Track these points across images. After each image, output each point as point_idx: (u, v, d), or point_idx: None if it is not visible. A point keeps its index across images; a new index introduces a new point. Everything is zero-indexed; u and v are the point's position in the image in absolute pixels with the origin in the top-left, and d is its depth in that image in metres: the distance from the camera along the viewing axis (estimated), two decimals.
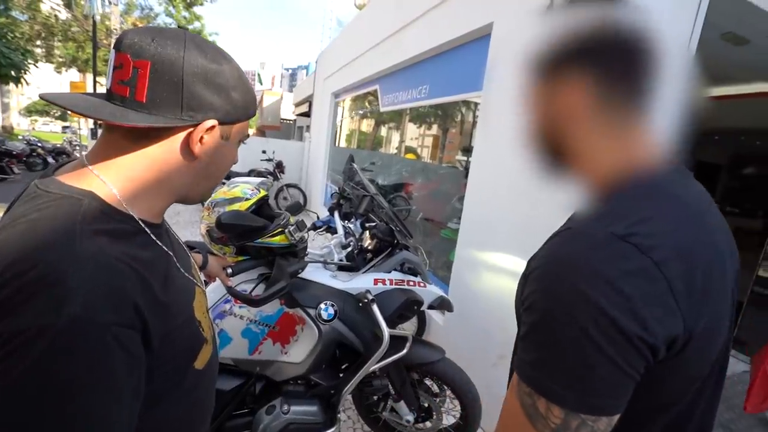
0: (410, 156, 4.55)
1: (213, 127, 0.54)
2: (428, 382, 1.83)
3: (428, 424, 1.84)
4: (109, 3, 12.08)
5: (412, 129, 4.55)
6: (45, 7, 15.08)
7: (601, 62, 0.48)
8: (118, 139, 0.52)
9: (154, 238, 0.54)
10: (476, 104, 2.99)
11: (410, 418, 1.75)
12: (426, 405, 1.82)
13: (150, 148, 0.52)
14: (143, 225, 0.53)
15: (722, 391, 0.54)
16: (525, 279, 0.49)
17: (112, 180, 0.51)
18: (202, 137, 0.54)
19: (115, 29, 13.96)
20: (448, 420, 1.94)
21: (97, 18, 8.29)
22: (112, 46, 0.52)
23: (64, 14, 15.51)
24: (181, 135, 0.53)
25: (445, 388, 1.80)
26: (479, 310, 2.26)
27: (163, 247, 0.56)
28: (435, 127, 4.17)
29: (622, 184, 0.48)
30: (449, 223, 3.24)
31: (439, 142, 3.96)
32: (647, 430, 0.49)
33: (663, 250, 0.41)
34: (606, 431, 0.42)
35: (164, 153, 0.53)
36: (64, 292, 0.40)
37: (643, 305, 0.39)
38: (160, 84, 0.49)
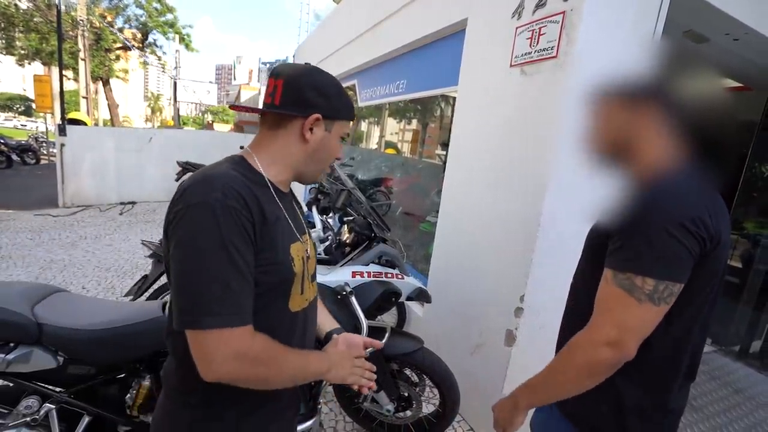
0: (390, 151, 4.56)
1: (318, 119, 0.79)
2: (408, 372, 1.88)
3: (408, 413, 1.88)
4: None
5: (392, 124, 4.57)
6: None
7: (667, 101, 0.76)
8: (264, 130, 0.82)
9: (273, 192, 0.78)
10: (455, 99, 3.04)
11: (390, 407, 1.79)
12: (406, 394, 1.87)
13: (279, 132, 0.80)
14: (268, 182, 0.78)
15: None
16: (610, 217, 0.75)
17: (255, 152, 0.80)
18: (311, 127, 0.79)
19: (82, 20, 13.36)
20: (428, 408, 2.00)
21: (62, 8, 7.92)
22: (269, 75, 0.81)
23: (25, 4, 14.72)
24: (298, 124, 0.79)
25: (425, 377, 1.85)
26: (457, 301, 2.32)
27: (279, 202, 0.79)
28: (415, 122, 4.20)
29: (665, 174, 0.74)
30: (428, 217, 3.29)
31: (419, 136, 3.99)
32: (685, 314, 0.75)
33: (702, 197, 0.71)
34: (677, 293, 0.69)
35: (287, 136, 0.80)
36: (212, 186, 0.67)
37: (702, 218, 0.67)
38: (288, 92, 0.77)
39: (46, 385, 1.24)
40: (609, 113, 0.81)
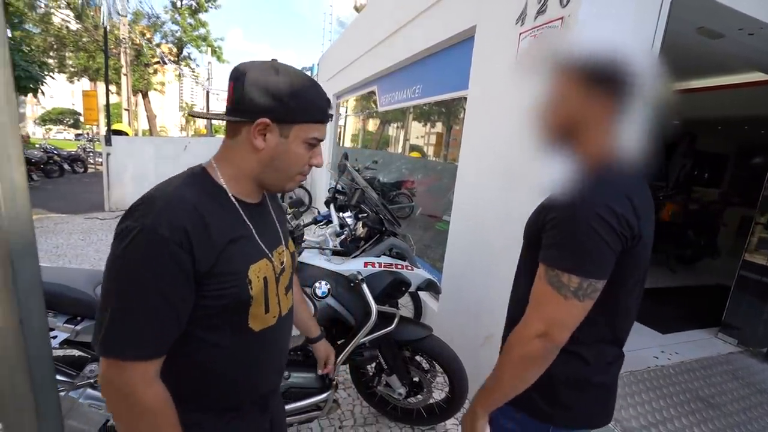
0: (415, 154, 4.64)
1: (266, 124, 0.71)
2: (419, 358, 2.00)
3: (419, 397, 2.01)
4: (118, 13, 12.42)
5: (416, 127, 4.67)
6: (56, 19, 15.54)
7: (618, 86, 0.74)
8: (225, 138, 0.77)
9: (236, 207, 0.75)
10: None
11: (402, 391, 1.92)
12: (417, 380, 1.99)
13: (232, 140, 0.74)
14: (231, 196, 0.75)
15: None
16: (542, 212, 0.79)
17: (217, 162, 0.76)
18: (264, 134, 0.72)
19: (124, 38, 14.33)
20: (439, 395, 2.11)
21: (108, 28, 8.60)
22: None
23: (74, 25, 15.96)
24: (247, 130, 0.72)
25: (435, 365, 1.97)
26: (469, 295, 2.43)
27: (244, 217, 0.76)
28: (439, 125, 4.29)
29: (607, 165, 0.77)
30: (444, 216, 3.40)
31: (443, 139, 4.08)
32: (619, 291, 0.79)
33: (632, 194, 0.73)
34: (600, 289, 0.73)
35: (238, 144, 0.74)
36: (150, 211, 0.64)
37: (625, 217, 0.71)
38: (236, 95, 0.71)
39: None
40: (567, 88, 0.78)
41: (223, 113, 0.74)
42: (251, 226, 0.76)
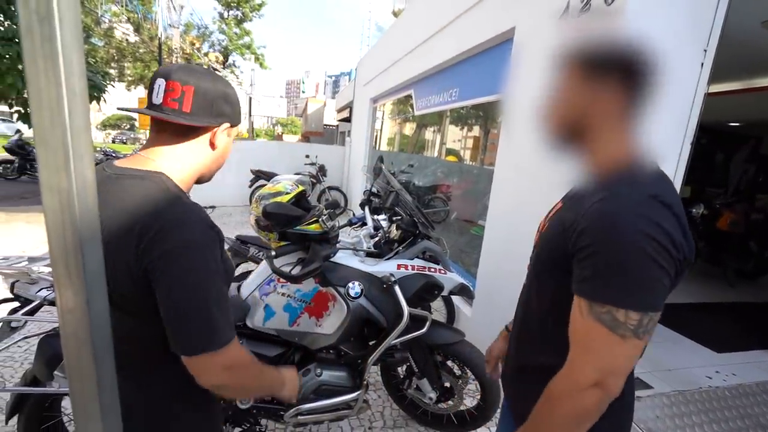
0: (451, 158, 4.60)
1: (228, 127, 0.85)
2: (450, 363, 1.98)
3: (450, 403, 1.98)
4: (171, 26, 13.29)
5: (452, 131, 4.62)
6: (117, 33, 16.88)
7: (635, 74, 0.67)
8: (167, 137, 0.79)
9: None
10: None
11: (432, 395, 1.90)
12: (448, 385, 1.97)
13: (191, 142, 0.80)
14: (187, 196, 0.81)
15: None
16: (569, 233, 0.67)
17: (165, 167, 0.77)
18: (219, 135, 0.83)
19: (176, 48, 15.29)
20: (471, 403, 2.08)
21: (163, 39, 9.23)
22: (159, 75, 0.78)
23: (133, 38, 17.25)
24: (209, 133, 0.82)
25: (467, 371, 1.94)
26: (503, 302, 2.37)
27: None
28: (476, 128, 4.23)
29: (630, 167, 0.68)
30: (479, 221, 3.35)
31: (479, 143, 4.02)
32: None
33: (676, 207, 0.63)
34: (657, 321, 0.62)
35: (199, 145, 0.82)
36: (189, 226, 0.72)
37: (676, 237, 0.60)
38: (199, 101, 0.77)
39: None
40: (573, 80, 0.70)
41: (174, 113, 0.76)
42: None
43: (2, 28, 5.92)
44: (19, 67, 6.44)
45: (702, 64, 1.70)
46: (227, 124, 0.84)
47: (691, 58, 1.70)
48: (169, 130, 0.78)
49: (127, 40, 17.05)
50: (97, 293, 0.37)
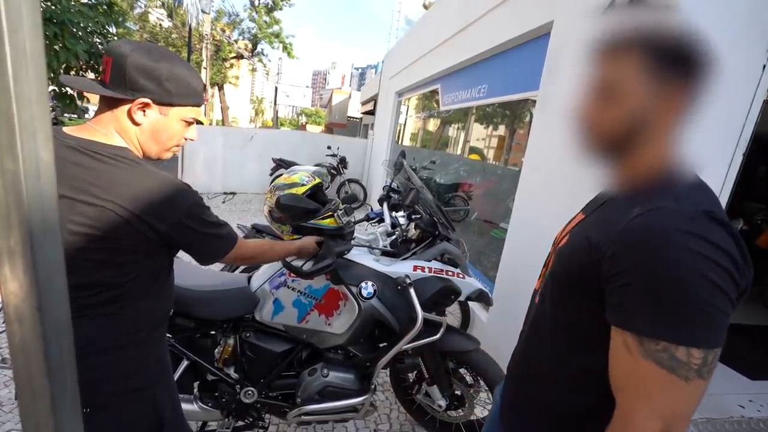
0: (474, 157, 4.49)
1: (147, 104, 0.82)
2: (462, 371, 1.89)
3: (460, 412, 1.90)
4: (203, 11, 13.44)
5: (477, 129, 4.48)
6: (151, 18, 17.24)
7: (691, 76, 0.56)
8: (103, 108, 0.83)
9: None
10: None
11: (442, 403, 1.82)
12: (459, 393, 1.89)
13: (114, 110, 0.81)
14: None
15: None
16: (598, 252, 0.57)
17: (104, 130, 0.82)
18: (144, 110, 0.82)
19: (206, 34, 15.50)
20: (481, 413, 1.99)
21: (194, 25, 9.35)
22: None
23: (166, 23, 17.59)
24: (127, 106, 0.81)
25: (480, 380, 1.85)
26: (522, 309, 2.25)
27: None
28: (502, 127, 4.08)
29: (671, 177, 0.60)
30: (501, 224, 3.22)
31: (504, 142, 3.89)
32: None
33: (732, 226, 0.54)
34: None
35: (120, 115, 0.82)
36: (178, 188, 0.86)
37: (740, 262, 0.51)
38: (114, 72, 0.79)
39: None
40: (636, 75, 0.57)
41: (101, 84, 0.80)
42: None
43: None
44: None
45: (764, 66, 1.54)
46: (145, 100, 0.81)
47: (750, 60, 1.55)
48: (101, 100, 0.82)
49: (160, 25, 17.40)
50: (53, 294, 0.31)
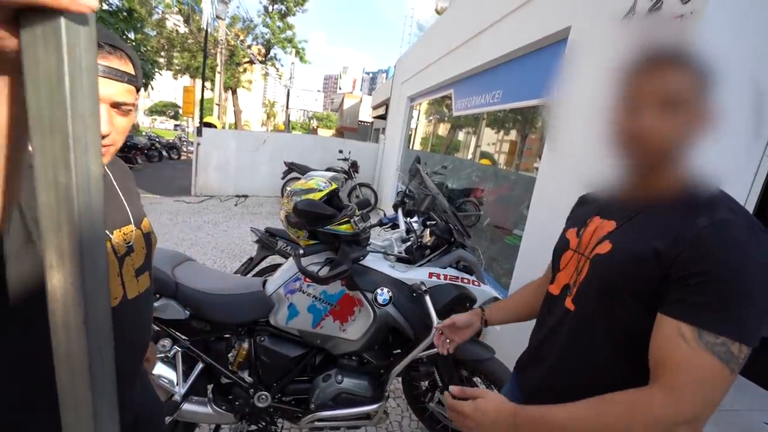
0: (485, 162, 4.47)
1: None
2: (477, 380, 1.87)
3: None
4: (217, 18, 13.67)
5: (488, 134, 4.47)
6: (168, 24, 17.61)
7: (721, 97, 0.61)
8: None
9: None
10: None
11: None
12: None
13: None
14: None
15: None
16: (667, 258, 0.62)
17: None
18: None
19: (221, 40, 15.76)
20: None
21: (210, 30, 9.52)
22: None
23: (182, 29, 17.94)
24: None
25: (494, 389, 1.82)
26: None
27: None
28: (513, 132, 4.05)
29: (705, 187, 0.64)
30: (515, 230, 3.19)
31: (517, 148, 3.86)
32: None
33: None
34: None
35: None
36: None
37: None
38: (137, 66, 0.69)
39: (176, 332, 1.55)
40: (692, 90, 0.62)
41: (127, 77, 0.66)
42: None
43: None
44: None
45: None
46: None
47: None
48: None
49: (177, 30, 17.75)
50: (100, 312, 0.31)
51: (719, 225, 0.60)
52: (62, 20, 0.24)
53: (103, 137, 0.65)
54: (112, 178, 0.81)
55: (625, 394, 0.61)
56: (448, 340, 1.08)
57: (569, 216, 0.97)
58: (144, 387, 0.91)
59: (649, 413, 0.58)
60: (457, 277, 1.65)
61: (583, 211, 0.90)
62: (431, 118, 6.73)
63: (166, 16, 17.29)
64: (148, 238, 0.88)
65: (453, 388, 0.73)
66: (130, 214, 0.82)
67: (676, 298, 0.60)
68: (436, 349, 1.55)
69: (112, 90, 0.65)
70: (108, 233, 0.75)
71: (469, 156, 4.86)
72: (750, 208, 1.64)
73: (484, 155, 4.47)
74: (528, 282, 1.13)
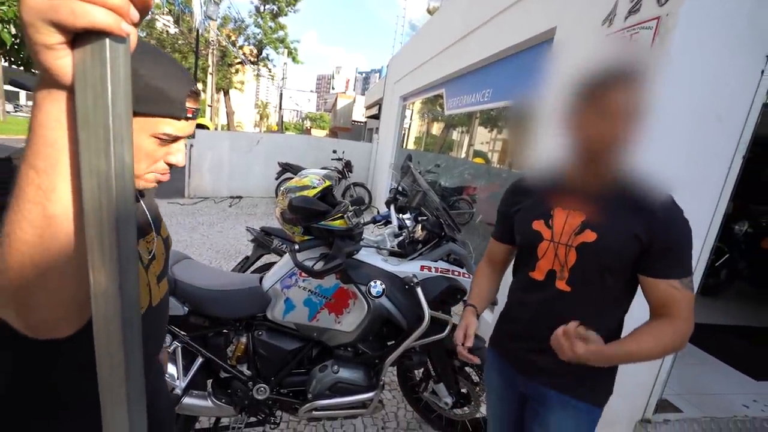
0: (479, 160, 4.52)
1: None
2: (469, 370, 1.94)
3: (466, 409, 1.94)
4: (208, 18, 13.63)
5: (481, 133, 4.53)
6: (158, 24, 17.52)
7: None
8: None
9: None
10: None
11: (449, 401, 1.87)
12: (465, 391, 1.93)
13: None
14: None
15: None
16: (646, 236, 0.88)
17: None
18: None
19: (212, 40, 15.71)
20: (487, 411, 2.02)
21: (201, 31, 9.51)
22: None
23: (172, 29, 17.85)
24: None
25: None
26: None
27: None
28: (505, 131, 4.12)
29: (653, 183, 0.90)
30: None
31: (509, 146, 3.92)
32: None
33: None
34: None
35: None
36: None
37: None
38: None
39: (176, 328, 1.59)
40: (636, 102, 0.85)
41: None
42: None
43: None
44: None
45: (762, 71, 1.58)
46: None
47: (749, 65, 1.59)
48: None
49: (167, 31, 17.66)
50: (129, 278, 0.37)
51: (675, 209, 0.89)
52: (107, 41, 0.30)
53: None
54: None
55: (662, 325, 0.89)
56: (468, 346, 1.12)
57: (512, 201, 1.12)
58: (159, 390, 0.92)
59: (681, 332, 0.88)
60: (448, 270, 1.71)
61: (532, 202, 1.05)
62: (424, 117, 6.80)
63: (156, 16, 17.20)
64: (167, 242, 0.87)
65: (579, 328, 0.85)
66: (151, 221, 0.80)
67: (661, 265, 0.89)
68: (428, 339, 1.62)
69: (191, 128, 0.68)
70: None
71: (463, 155, 4.93)
72: (724, 199, 1.73)
73: (478, 154, 4.54)
74: (480, 269, 1.26)
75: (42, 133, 0.35)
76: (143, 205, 0.80)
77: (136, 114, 0.60)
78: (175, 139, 0.66)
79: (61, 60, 0.32)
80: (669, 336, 0.90)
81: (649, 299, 0.93)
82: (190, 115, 0.66)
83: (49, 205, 0.36)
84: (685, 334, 0.90)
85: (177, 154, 0.68)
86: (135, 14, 0.34)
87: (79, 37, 0.31)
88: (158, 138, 0.64)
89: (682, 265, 0.88)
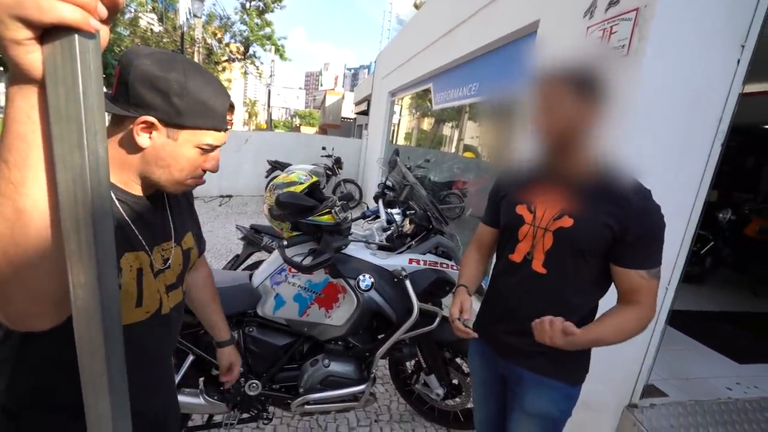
0: (469, 154, 4.54)
1: (152, 123, 0.66)
2: (459, 361, 1.96)
3: (457, 400, 1.97)
4: (193, 15, 13.42)
5: (470, 127, 4.55)
6: (142, 23, 17.20)
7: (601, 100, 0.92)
8: (110, 126, 0.68)
9: (113, 195, 0.67)
10: None
11: (440, 392, 1.89)
12: (456, 382, 1.96)
13: (116, 128, 0.67)
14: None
15: None
16: (620, 226, 0.92)
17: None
18: (150, 132, 0.67)
19: (198, 38, 15.48)
20: (473, 395, 2.06)
21: (185, 29, 9.36)
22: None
23: (157, 27, 17.55)
24: (131, 126, 0.66)
25: None
26: None
27: (120, 207, 0.69)
28: (481, 125, 4.14)
29: (625, 175, 0.95)
30: None
31: (487, 140, 3.94)
32: None
33: None
34: None
35: (122, 135, 0.67)
36: None
37: None
38: (120, 83, 0.65)
39: None
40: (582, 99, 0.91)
41: (107, 97, 0.66)
42: (126, 216, 0.70)
43: None
44: None
45: (738, 60, 1.62)
46: (147, 119, 0.65)
47: (725, 55, 1.63)
48: (111, 118, 0.69)
49: (151, 29, 17.35)
50: (108, 269, 0.37)
51: (650, 199, 0.93)
52: (76, 36, 0.31)
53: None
54: (164, 194, 0.81)
55: (626, 311, 0.95)
56: (465, 320, 1.12)
57: (500, 188, 1.20)
58: (166, 395, 0.93)
59: (644, 318, 0.94)
60: (436, 263, 1.73)
61: (518, 189, 1.10)
62: (413, 112, 6.81)
63: (139, 14, 16.89)
64: (188, 254, 0.87)
65: (565, 324, 0.87)
66: (173, 229, 0.82)
67: (632, 256, 0.93)
68: (418, 331, 1.64)
69: (226, 137, 0.77)
70: (148, 251, 0.74)
71: (453, 149, 4.95)
72: (704, 187, 1.77)
73: (468, 148, 4.56)
74: (468, 254, 1.31)
75: (14, 128, 0.35)
76: (168, 212, 0.82)
77: (183, 127, 0.69)
78: (214, 148, 0.75)
79: (31, 55, 0.33)
80: (633, 323, 0.95)
81: (618, 286, 0.98)
82: (228, 127, 0.75)
83: (18, 198, 0.37)
84: (647, 320, 0.96)
85: (213, 162, 0.77)
86: (103, 11, 0.34)
87: (48, 33, 0.32)
88: (201, 148, 0.72)
89: (652, 256, 0.92)
